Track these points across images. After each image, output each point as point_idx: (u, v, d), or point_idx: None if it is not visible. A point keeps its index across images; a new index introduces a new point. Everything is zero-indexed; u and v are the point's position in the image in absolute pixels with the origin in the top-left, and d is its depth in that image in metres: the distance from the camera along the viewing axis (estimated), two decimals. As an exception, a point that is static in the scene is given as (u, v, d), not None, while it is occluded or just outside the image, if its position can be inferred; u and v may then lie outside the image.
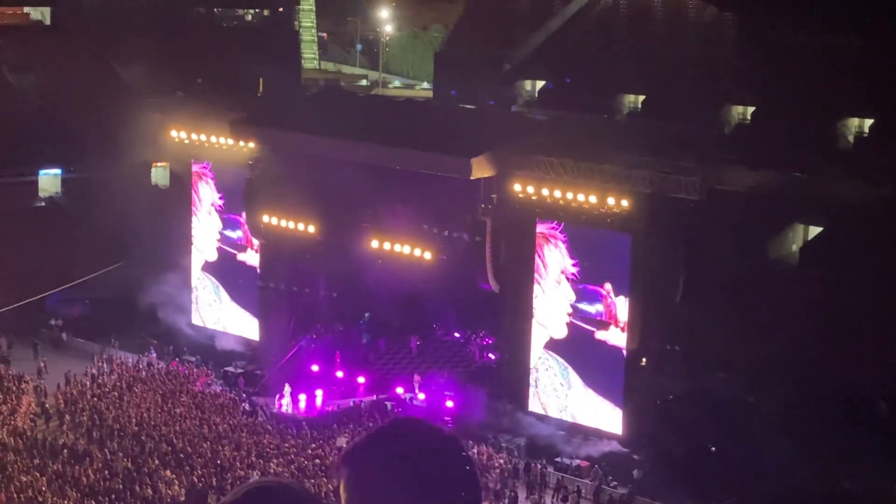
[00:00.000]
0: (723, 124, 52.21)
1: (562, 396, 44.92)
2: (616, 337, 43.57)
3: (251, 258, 53.34)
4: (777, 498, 36.31)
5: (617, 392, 43.50)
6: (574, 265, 44.25)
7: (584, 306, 44.17)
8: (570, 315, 44.53)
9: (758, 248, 43.02)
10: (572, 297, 44.37)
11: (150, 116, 53.86)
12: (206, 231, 54.61)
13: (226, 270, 54.23)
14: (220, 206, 53.78)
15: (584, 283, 43.99)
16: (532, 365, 45.75)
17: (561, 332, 44.82)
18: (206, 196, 54.26)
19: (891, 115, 46.72)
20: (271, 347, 51.39)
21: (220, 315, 54.38)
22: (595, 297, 43.86)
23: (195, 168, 54.24)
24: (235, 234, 53.76)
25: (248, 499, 3.52)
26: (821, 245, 43.65)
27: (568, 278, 44.40)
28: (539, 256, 45.11)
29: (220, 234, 54.08)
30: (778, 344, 39.81)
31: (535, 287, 45.36)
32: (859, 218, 40.99)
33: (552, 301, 44.92)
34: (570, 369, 44.61)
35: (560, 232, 44.39)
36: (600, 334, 43.75)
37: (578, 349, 44.31)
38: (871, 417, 38.29)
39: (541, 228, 44.84)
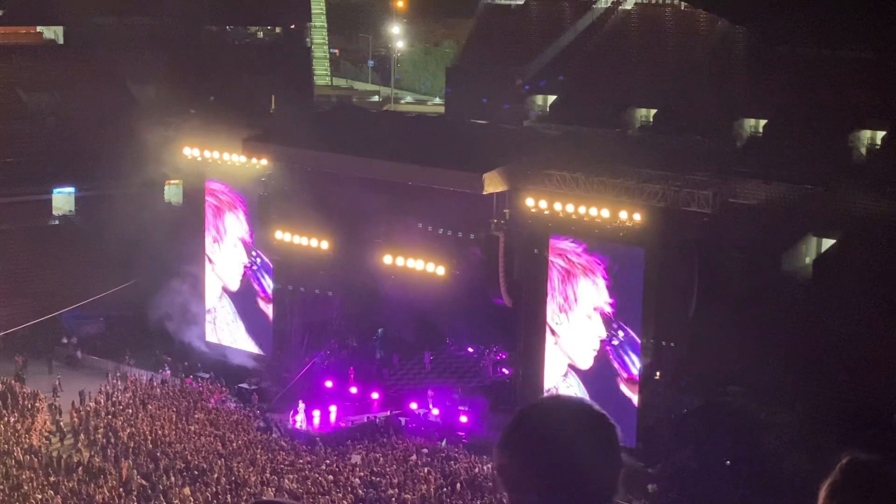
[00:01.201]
0: (735, 138, 52.18)
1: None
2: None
3: (268, 309, 53.56)
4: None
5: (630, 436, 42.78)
6: (611, 304, 44.04)
7: (619, 346, 43.99)
8: (596, 350, 44.34)
9: (771, 262, 43.00)
10: (603, 333, 44.13)
11: (163, 134, 54.01)
12: (229, 260, 54.63)
13: (246, 304, 54.33)
14: (248, 241, 53.86)
15: (623, 325, 43.77)
16: (553, 384, 45.59)
17: (586, 364, 44.70)
18: (233, 227, 54.25)
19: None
20: (285, 364, 51.47)
21: (236, 335, 54.43)
22: (633, 346, 43.57)
23: (222, 195, 54.26)
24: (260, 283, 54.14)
25: None
26: (834, 258, 43.61)
27: (602, 314, 44.17)
28: (570, 285, 44.77)
29: (246, 268, 54.17)
30: (792, 357, 39.74)
31: (562, 315, 45.14)
32: (872, 230, 40.98)
33: (579, 333, 44.70)
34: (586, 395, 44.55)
35: (603, 268, 44.03)
36: (624, 388, 43.65)
37: (601, 382, 44.19)
38: (885, 431, 38.16)
39: (580, 260, 44.54)
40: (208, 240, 55.33)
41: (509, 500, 3.71)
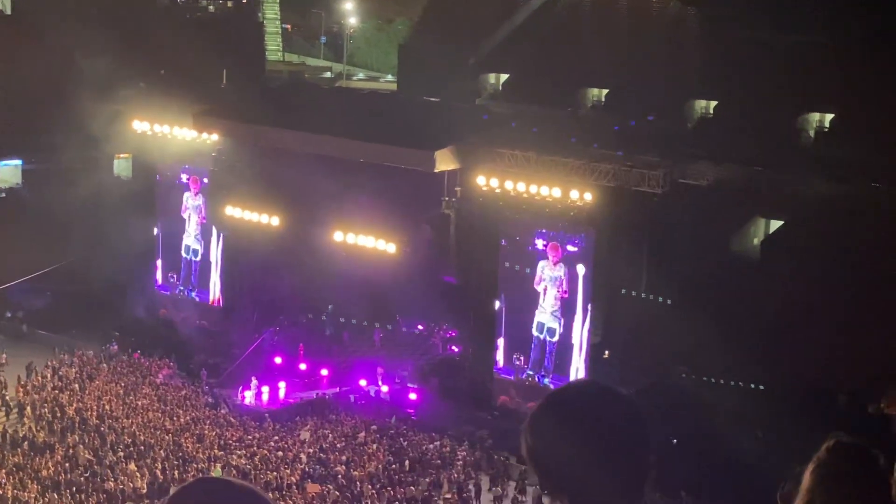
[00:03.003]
0: (686, 119, 52.45)
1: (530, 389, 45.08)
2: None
3: (218, 285, 53.42)
4: (738, 490, 36.51)
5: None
6: (561, 283, 44.35)
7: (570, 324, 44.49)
8: (547, 328, 44.81)
9: (720, 242, 43.32)
10: (554, 309, 44.58)
11: (113, 108, 53.52)
12: (179, 234, 54.53)
13: (196, 279, 54.22)
14: (200, 216, 53.73)
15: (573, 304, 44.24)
16: (503, 362, 45.90)
17: (537, 342, 45.14)
18: (185, 201, 54.16)
19: (851, 110, 47.09)
20: (234, 339, 51.29)
21: (185, 310, 54.19)
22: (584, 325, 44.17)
23: (185, 175, 54.04)
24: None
25: (186, 494, 3.56)
26: (782, 239, 44.00)
27: (553, 293, 44.57)
28: (520, 264, 45.08)
29: (197, 242, 54.05)
30: (740, 337, 40.08)
31: (512, 293, 45.47)
32: (820, 212, 41.34)
33: (529, 311, 45.15)
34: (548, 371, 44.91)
35: (553, 248, 44.37)
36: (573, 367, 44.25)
37: (550, 360, 44.76)
38: (831, 410, 38.63)
39: (531, 238, 44.82)
40: (158, 214, 55.01)
41: (541, 484, 3.72)
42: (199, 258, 54.09)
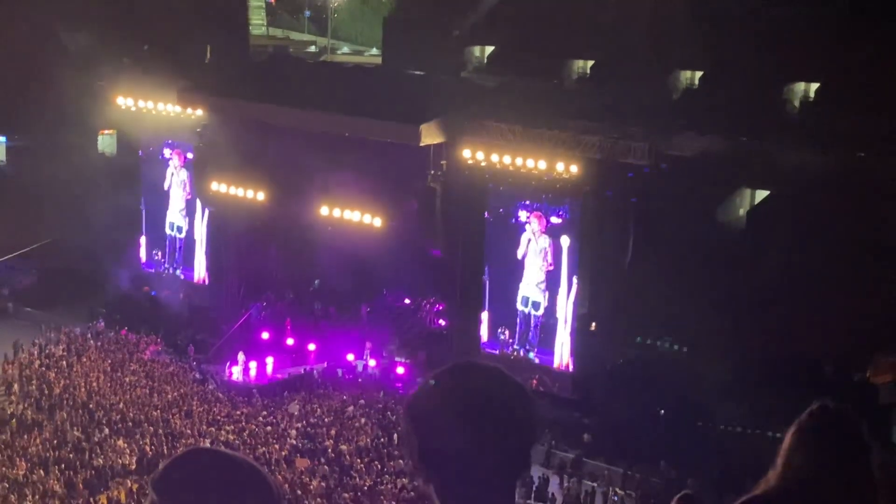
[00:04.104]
0: (671, 90, 52.37)
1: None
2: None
3: (204, 260, 53.24)
4: (724, 461, 36.68)
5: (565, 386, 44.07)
6: (547, 256, 44.33)
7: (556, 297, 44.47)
8: (533, 300, 44.85)
9: (706, 213, 43.33)
10: (540, 281, 44.62)
11: (96, 84, 53.31)
12: (164, 211, 54.51)
13: (182, 254, 54.19)
14: (186, 191, 53.67)
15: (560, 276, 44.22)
16: (490, 336, 45.99)
17: (524, 315, 45.16)
18: (170, 177, 54.10)
19: (836, 80, 47.08)
20: (221, 315, 51.26)
21: (172, 286, 54.16)
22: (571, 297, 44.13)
23: (169, 150, 53.88)
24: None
25: (179, 464, 3.54)
26: (768, 210, 44.04)
27: (539, 265, 44.60)
28: (507, 237, 45.11)
29: (182, 218, 53.98)
30: (726, 308, 40.17)
31: (499, 267, 45.44)
32: (805, 182, 41.37)
33: (514, 284, 45.13)
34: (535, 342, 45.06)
35: (540, 219, 44.36)
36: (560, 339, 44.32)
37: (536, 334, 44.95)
38: (817, 381, 38.77)
39: (517, 211, 44.78)
40: (143, 190, 54.91)
41: (413, 467, 3.64)
42: (183, 235, 54.03)
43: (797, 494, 4.51)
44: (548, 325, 44.69)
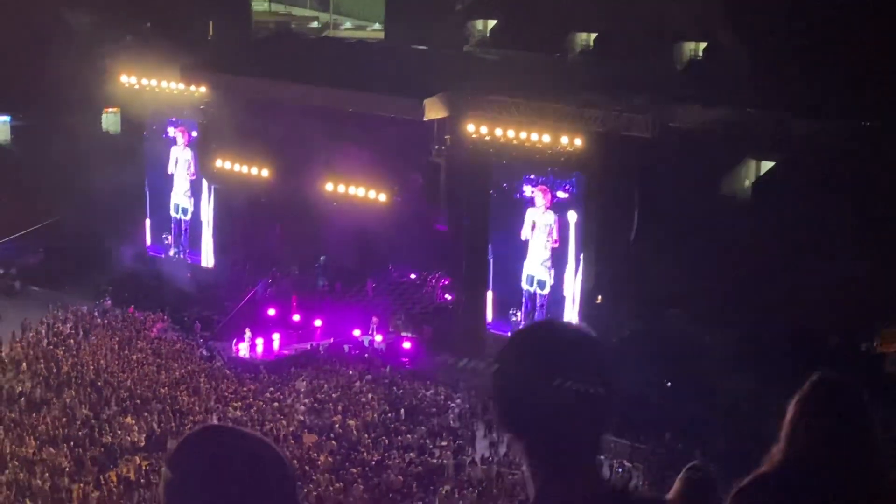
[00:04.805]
0: (675, 61, 52.24)
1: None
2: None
3: (210, 237, 53.23)
4: (729, 432, 36.76)
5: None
6: (553, 230, 44.25)
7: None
8: (538, 276, 44.75)
9: (711, 185, 43.30)
10: (546, 257, 44.50)
11: (100, 62, 53.25)
12: (170, 188, 54.46)
13: (188, 232, 54.16)
14: (191, 169, 53.63)
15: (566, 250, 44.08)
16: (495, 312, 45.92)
17: (529, 291, 45.07)
18: (176, 155, 54.00)
19: (835, 50, 46.92)
20: (227, 292, 51.33)
21: (178, 264, 54.19)
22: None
23: (173, 129, 53.78)
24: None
25: (194, 441, 3.57)
26: (773, 181, 43.98)
27: (544, 240, 44.49)
28: (513, 211, 44.96)
29: (188, 196, 53.94)
30: (731, 280, 40.18)
31: (506, 242, 45.33)
32: (811, 152, 41.30)
33: (520, 258, 45.04)
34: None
35: (545, 194, 44.23)
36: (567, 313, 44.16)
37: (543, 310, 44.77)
38: (822, 352, 38.79)
39: (522, 185, 44.63)
40: (147, 170, 54.90)
41: (501, 425, 3.72)
42: (188, 217, 53.98)
43: (800, 471, 4.56)
44: (554, 303, 44.43)
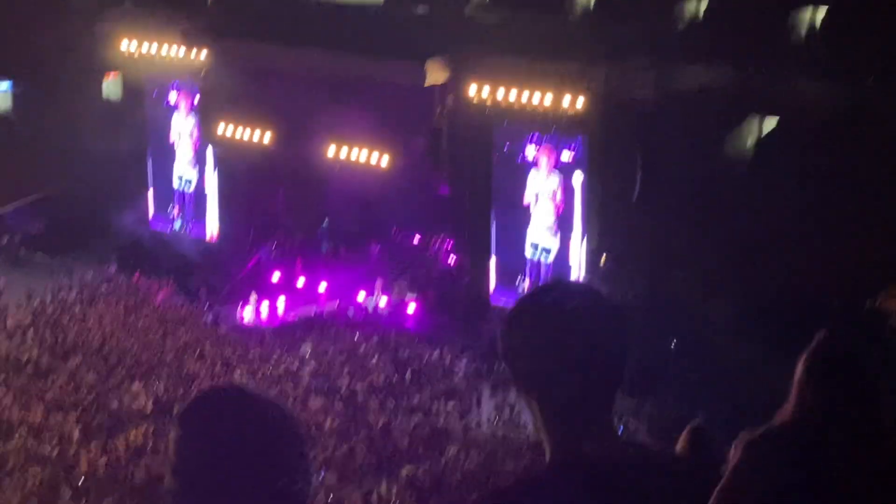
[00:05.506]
0: (676, 21, 51.95)
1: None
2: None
3: (214, 203, 53.08)
4: (731, 399, 36.84)
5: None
6: (556, 193, 44.05)
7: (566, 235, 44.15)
8: (542, 241, 44.67)
9: (714, 146, 43.17)
10: (550, 220, 44.34)
11: (100, 27, 53.05)
12: (172, 155, 54.30)
13: (191, 198, 54.06)
14: (193, 135, 53.45)
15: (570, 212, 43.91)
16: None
17: (533, 256, 44.94)
18: (178, 122, 53.84)
19: (844, 7, 46.66)
20: (232, 258, 51.36)
21: (183, 230, 54.20)
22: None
23: (175, 94, 53.58)
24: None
25: (204, 401, 3.61)
26: (775, 143, 43.80)
27: (548, 203, 44.32)
28: (517, 174, 44.72)
29: (191, 162, 53.78)
30: (733, 244, 40.13)
31: (509, 206, 45.09)
32: (814, 114, 41.13)
33: (524, 222, 44.88)
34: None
35: (549, 156, 44.00)
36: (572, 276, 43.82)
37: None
38: (825, 320, 38.71)
39: (525, 147, 44.38)
40: (149, 139, 54.78)
41: (514, 383, 3.76)
42: (192, 189, 53.83)
43: (810, 428, 4.61)
44: (559, 271, 44.19)
